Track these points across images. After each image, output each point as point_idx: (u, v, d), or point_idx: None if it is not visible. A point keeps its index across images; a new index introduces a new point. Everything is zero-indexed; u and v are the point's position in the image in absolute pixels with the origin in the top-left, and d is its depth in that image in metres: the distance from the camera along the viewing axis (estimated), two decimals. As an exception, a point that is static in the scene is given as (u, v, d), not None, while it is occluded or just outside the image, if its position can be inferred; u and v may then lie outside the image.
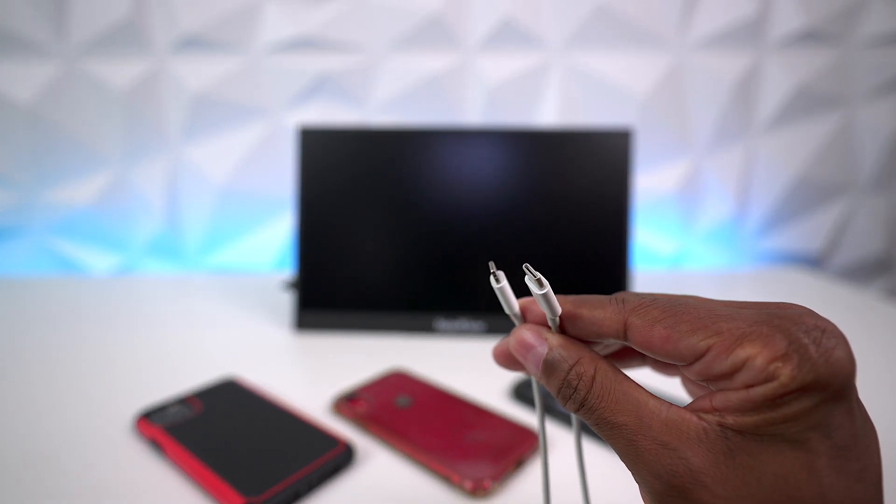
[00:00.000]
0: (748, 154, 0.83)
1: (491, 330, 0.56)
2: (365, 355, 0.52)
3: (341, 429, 0.39)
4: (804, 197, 0.85)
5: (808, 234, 0.86)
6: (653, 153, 0.81)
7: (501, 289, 0.20)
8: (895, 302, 0.68)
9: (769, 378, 0.15)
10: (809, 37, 0.78)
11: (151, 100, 0.76)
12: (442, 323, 0.57)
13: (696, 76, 0.79)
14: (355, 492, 0.33)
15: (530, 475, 0.34)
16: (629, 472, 0.34)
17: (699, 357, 0.16)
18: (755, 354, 0.15)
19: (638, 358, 0.22)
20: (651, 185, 0.82)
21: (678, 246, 0.86)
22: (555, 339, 0.20)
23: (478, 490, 0.32)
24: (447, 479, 0.33)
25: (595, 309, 0.19)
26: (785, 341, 0.15)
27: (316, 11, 0.75)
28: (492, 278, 0.20)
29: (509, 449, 0.35)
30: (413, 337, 0.56)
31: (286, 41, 0.76)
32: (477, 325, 0.56)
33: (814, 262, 0.88)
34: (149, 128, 0.77)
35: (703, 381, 0.17)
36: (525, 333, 0.20)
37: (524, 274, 0.19)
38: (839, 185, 0.85)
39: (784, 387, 0.14)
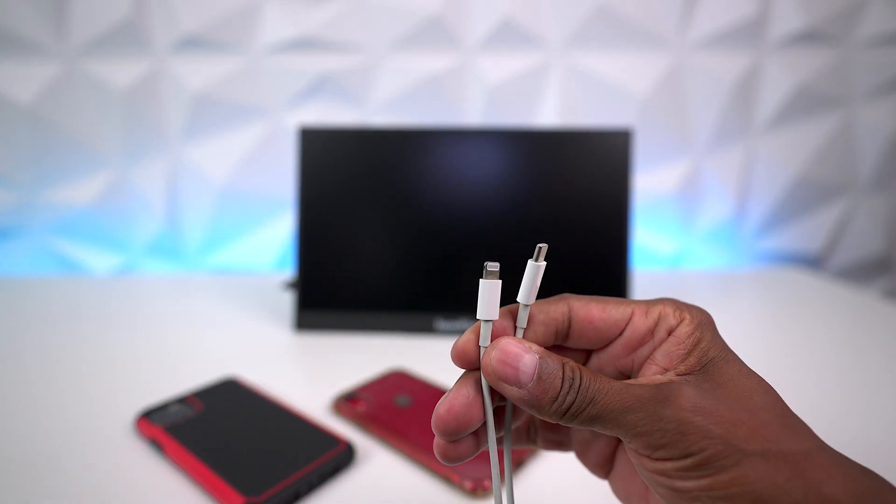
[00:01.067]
0: (748, 154, 0.83)
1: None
2: (365, 355, 0.52)
3: (341, 428, 0.39)
4: (804, 197, 0.85)
5: (808, 234, 0.87)
6: (653, 153, 0.81)
7: (496, 285, 0.20)
8: (895, 302, 0.68)
9: (680, 320, 0.21)
10: (809, 37, 0.78)
11: (151, 100, 0.76)
12: (442, 323, 0.57)
13: (696, 76, 0.79)
14: (355, 492, 0.33)
15: (530, 475, 0.34)
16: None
17: (628, 321, 0.22)
18: (664, 309, 0.21)
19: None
20: (651, 185, 0.82)
21: (678, 246, 0.86)
22: (537, 346, 0.20)
23: (478, 490, 0.32)
24: (447, 478, 0.33)
25: (541, 305, 0.22)
26: (673, 304, 0.21)
27: (316, 11, 0.75)
28: (485, 280, 0.20)
29: (509, 449, 0.35)
30: (413, 337, 0.56)
31: (286, 41, 0.76)
32: (477, 325, 0.56)
33: (813, 262, 0.88)
34: (149, 128, 0.77)
35: (630, 351, 0.22)
36: (511, 344, 0.20)
37: (517, 282, 0.20)
38: (839, 185, 0.85)
39: (692, 322, 0.21)
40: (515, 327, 0.21)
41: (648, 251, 0.85)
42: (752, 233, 0.86)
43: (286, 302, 0.66)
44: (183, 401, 0.40)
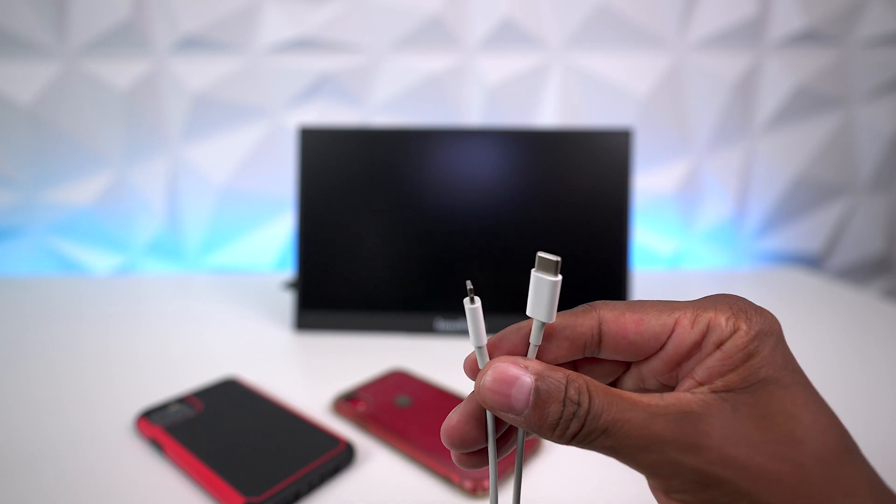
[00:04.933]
0: (748, 154, 0.83)
1: (491, 330, 0.56)
2: (365, 355, 0.52)
3: (341, 428, 0.39)
4: (804, 197, 0.85)
5: (808, 234, 0.87)
6: (653, 153, 0.81)
7: (475, 310, 0.18)
8: (894, 302, 0.68)
9: (734, 330, 0.17)
10: (809, 37, 0.78)
11: (151, 100, 0.76)
12: (442, 323, 0.57)
13: (695, 76, 0.79)
14: (355, 492, 0.33)
15: (530, 475, 0.34)
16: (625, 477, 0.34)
17: (670, 333, 0.18)
18: (716, 317, 0.18)
19: None
20: (651, 185, 0.82)
21: (678, 246, 0.86)
22: (537, 364, 0.18)
23: (478, 490, 0.32)
24: (447, 478, 0.33)
25: (566, 317, 0.19)
26: (729, 309, 0.18)
27: (316, 11, 0.75)
28: (466, 299, 0.18)
29: (509, 449, 0.35)
30: (413, 337, 0.56)
31: (286, 41, 0.76)
32: (477, 325, 0.56)
33: (813, 262, 0.88)
34: (149, 128, 0.77)
35: (672, 366, 0.18)
36: (503, 366, 0.18)
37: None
38: (839, 185, 0.85)
39: (748, 333, 0.17)
40: (529, 344, 0.19)
41: (648, 251, 0.85)
42: (751, 233, 0.86)
43: (286, 302, 0.66)
44: (183, 401, 0.40)
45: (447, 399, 0.42)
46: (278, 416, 0.39)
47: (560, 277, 0.18)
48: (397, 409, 0.40)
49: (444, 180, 0.58)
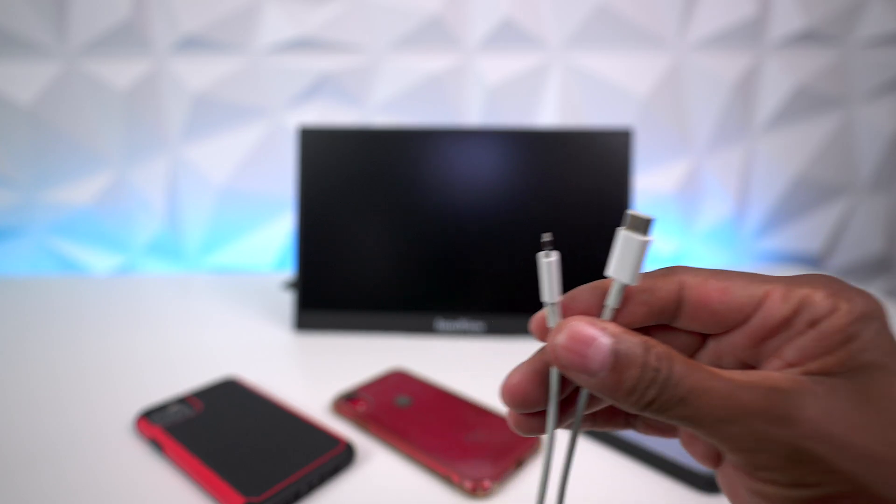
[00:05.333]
0: (748, 154, 0.83)
1: (490, 330, 0.56)
2: (365, 355, 0.52)
3: (341, 429, 0.39)
4: (804, 197, 0.85)
5: (808, 234, 0.87)
6: (653, 153, 0.81)
7: (550, 264, 0.18)
8: (894, 302, 0.68)
9: (833, 310, 0.15)
10: (809, 37, 0.78)
11: (151, 100, 0.76)
12: (442, 323, 0.57)
13: (695, 76, 0.79)
14: (355, 492, 0.33)
15: (530, 475, 0.34)
16: (630, 479, 0.34)
17: (758, 306, 0.17)
18: (812, 294, 0.16)
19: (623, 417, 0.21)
20: (651, 185, 0.82)
21: (678, 246, 0.86)
22: (615, 327, 0.17)
23: (478, 490, 0.32)
24: (447, 479, 0.33)
25: (645, 279, 0.18)
26: (827, 287, 0.16)
27: (316, 11, 0.75)
28: (541, 252, 0.18)
29: (509, 449, 0.35)
30: (413, 337, 0.56)
31: (286, 41, 0.76)
32: (477, 325, 0.56)
33: (813, 262, 0.88)
34: (149, 128, 0.77)
35: (756, 342, 0.17)
36: (580, 325, 0.17)
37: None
38: (838, 185, 0.85)
39: (849, 314, 0.15)
40: (603, 307, 0.18)
41: (648, 251, 0.85)
42: (752, 233, 0.86)
43: (286, 302, 0.66)
44: (183, 401, 0.40)
45: (447, 399, 0.42)
46: (278, 417, 0.39)
47: (652, 238, 0.17)
48: (397, 409, 0.40)
49: (444, 180, 0.58)
